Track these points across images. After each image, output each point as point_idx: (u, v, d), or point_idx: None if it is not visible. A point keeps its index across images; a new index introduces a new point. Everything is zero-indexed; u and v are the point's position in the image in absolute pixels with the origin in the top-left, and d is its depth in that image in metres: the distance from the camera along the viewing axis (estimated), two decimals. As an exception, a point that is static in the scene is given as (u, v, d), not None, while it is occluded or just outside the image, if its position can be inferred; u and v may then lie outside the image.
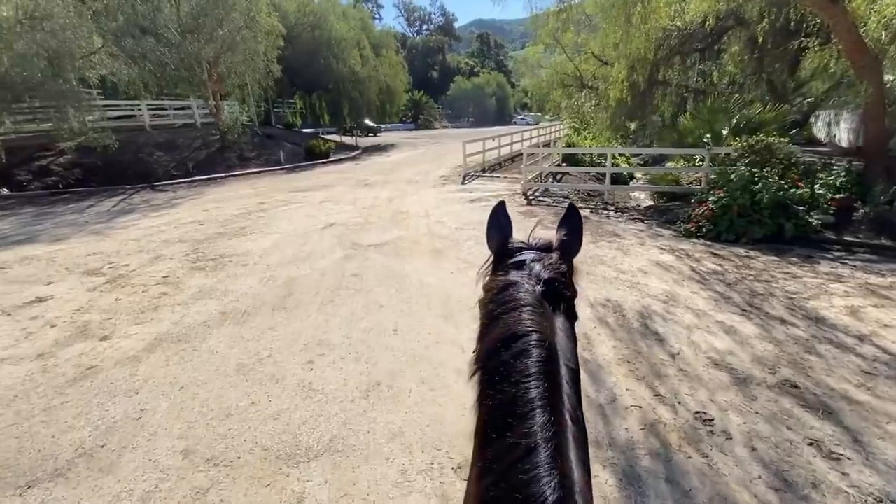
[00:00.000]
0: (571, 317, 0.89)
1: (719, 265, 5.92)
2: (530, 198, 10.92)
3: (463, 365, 3.60)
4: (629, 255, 6.38)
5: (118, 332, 4.38)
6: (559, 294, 0.85)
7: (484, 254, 1.08)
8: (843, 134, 16.49)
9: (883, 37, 7.31)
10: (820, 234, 6.84)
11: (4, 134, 13.61)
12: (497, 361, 0.74)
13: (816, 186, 7.51)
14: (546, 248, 0.98)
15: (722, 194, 7.23)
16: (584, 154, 15.80)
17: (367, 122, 34.54)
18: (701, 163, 10.54)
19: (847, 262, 6.04)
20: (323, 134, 28.52)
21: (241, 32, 16.66)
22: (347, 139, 28.85)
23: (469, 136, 20.22)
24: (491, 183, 13.29)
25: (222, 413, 3.10)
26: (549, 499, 0.57)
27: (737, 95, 11.05)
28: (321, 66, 25.55)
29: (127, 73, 15.28)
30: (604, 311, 4.61)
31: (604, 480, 2.51)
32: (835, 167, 8.60)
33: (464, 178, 14.08)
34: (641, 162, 18.92)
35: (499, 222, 1.07)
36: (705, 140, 9.98)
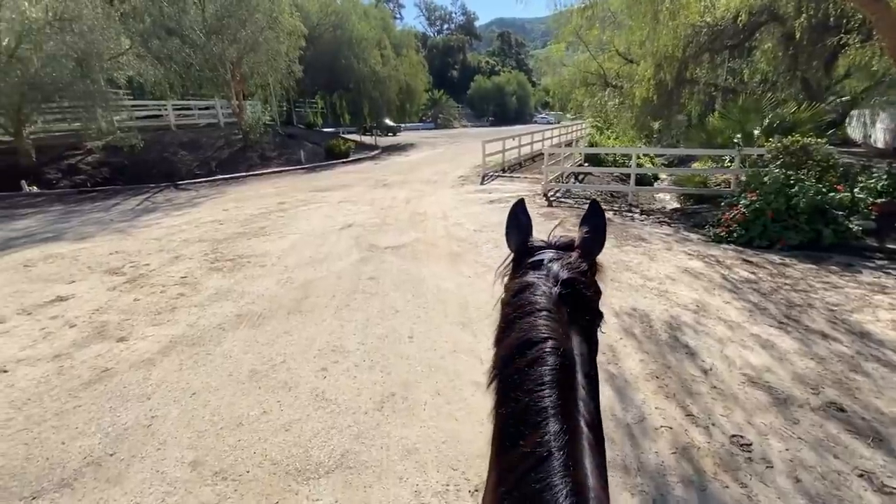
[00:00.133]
0: (593, 318, 0.87)
1: (752, 273, 5.61)
2: (551, 199, 10.68)
3: (480, 377, 3.44)
4: (656, 261, 6.12)
5: (135, 333, 4.37)
6: (578, 295, 0.83)
7: (504, 258, 1.04)
8: (880, 135, 15.73)
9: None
10: (860, 242, 6.45)
11: (35, 133, 14.02)
12: (511, 369, 0.74)
13: (856, 190, 7.09)
14: (566, 247, 0.96)
15: (755, 197, 6.88)
16: (606, 154, 15.47)
17: (387, 121, 34.62)
18: (730, 164, 10.15)
19: (891, 271, 5.66)
20: (343, 134, 28.69)
21: (263, 33, 16.82)
22: (367, 139, 28.95)
23: (488, 135, 20.03)
24: (510, 183, 13.08)
25: (233, 422, 3.01)
26: None
27: (769, 94, 10.58)
28: (342, 66, 25.66)
29: (153, 74, 15.62)
30: (630, 321, 4.39)
31: (632, 510, 2.32)
32: (875, 170, 8.13)
33: (483, 178, 13.90)
34: (666, 162, 18.46)
35: (518, 221, 1.04)
36: (735, 140, 9.60)
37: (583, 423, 0.68)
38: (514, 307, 0.83)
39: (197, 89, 19.70)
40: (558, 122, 35.69)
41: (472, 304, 4.87)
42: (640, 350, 3.87)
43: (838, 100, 14.44)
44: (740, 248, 6.61)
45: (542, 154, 12.58)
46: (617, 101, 15.09)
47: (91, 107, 13.22)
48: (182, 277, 5.86)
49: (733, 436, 2.86)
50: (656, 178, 15.54)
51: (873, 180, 7.37)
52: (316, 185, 13.65)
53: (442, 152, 23.93)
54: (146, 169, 14.68)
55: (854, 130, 17.91)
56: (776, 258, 6.14)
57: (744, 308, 4.63)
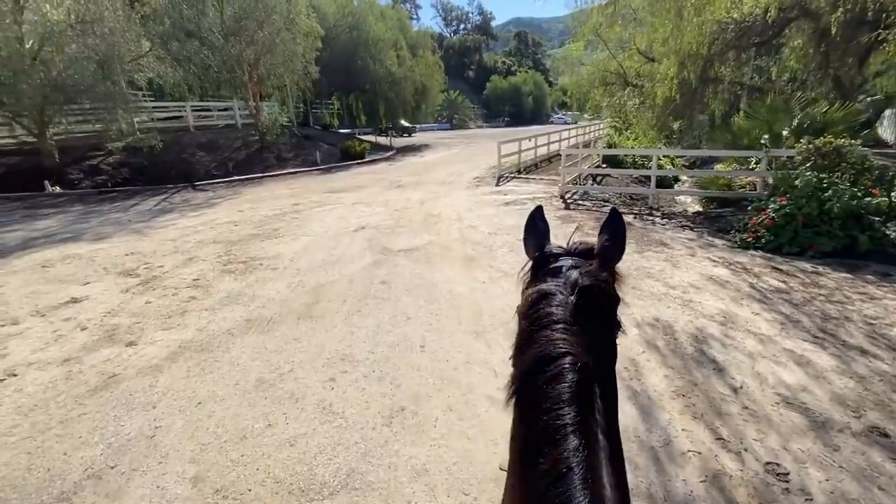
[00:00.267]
0: (613, 327, 0.87)
1: (783, 282, 5.33)
2: (568, 201, 10.44)
3: (495, 391, 3.29)
4: (679, 268, 5.87)
5: (144, 337, 4.32)
6: (596, 304, 0.82)
7: (519, 262, 1.04)
8: (917, 136, 15.05)
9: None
10: (899, 249, 6.10)
11: (58, 134, 14.30)
12: (530, 387, 0.74)
13: (894, 194, 6.71)
14: (585, 254, 0.95)
15: (785, 202, 6.57)
16: (625, 155, 15.11)
17: (403, 122, 34.61)
18: (756, 166, 9.77)
19: (934, 281, 5.31)
20: (359, 135, 28.75)
21: (280, 34, 16.90)
22: (382, 140, 28.97)
23: (504, 136, 19.81)
24: (526, 185, 12.86)
25: (237, 435, 2.91)
26: None
27: (799, 93, 10.16)
28: (358, 67, 25.72)
29: (172, 76, 15.85)
30: (653, 333, 4.17)
31: (659, 546, 2.14)
32: (914, 173, 7.70)
33: (498, 179, 13.71)
34: (687, 164, 17.99)
35: (536, 227, 1.05)
36: (763, 141, 9.21)
37: (601, 437, 0.68)
38: (532, 320, 0.82)
39: (215, 91, 19.95)
40: (575, 123, 35.22)
41: (487, 310, 4.71)
42: (664, 364, 3.66)
43: (868, 99, 13.85)
44: (769, 255, 6.31)
45: (559, 155, 12.34)
46: (637, 100, 14.73)
47: (112, 108, 13.43)
48: (194, 280, 5.83)
49: (768, 463, 2.65)
50: (676, 179, 15.14)
51: (912, 184, 6.97)
52: (331, 187, 13.63)
53: (457, 153, 23.78)
54: (165, 169, 14.87)
55: (886, 131, 17.20)
56: (808, 266, 5.83)
57: (775, 320, 4.37)
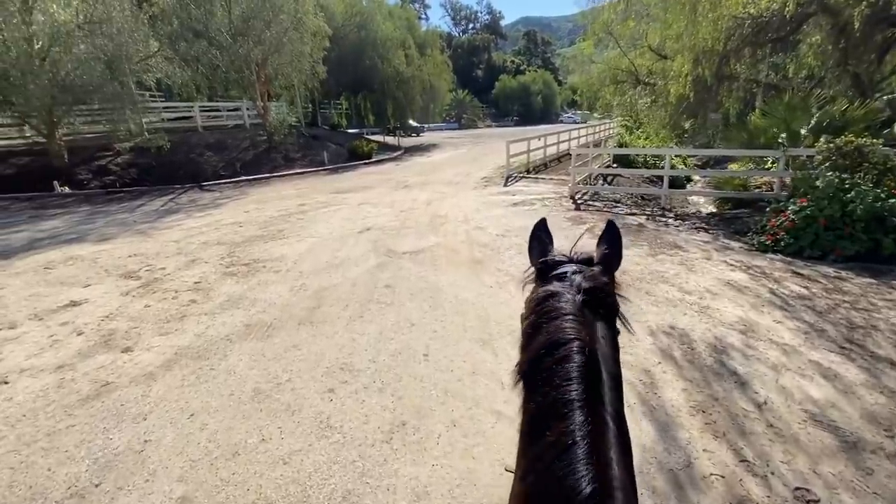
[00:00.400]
0: (614, 327, 0.92)
1: (805, 287, 5.08)
2: (578, 202, 10.21)
3: (502, 405, 3.11)
4: (694, 272, 5.64)
5: (141, 343, 4.20)
6: (600, 302, 0.88)
7: (527, 265, 1.11)
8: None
9: None
10: (926, 253, 5.81)
11: (67, 135, 14.35)
12: (540, 368, 0.78)
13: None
14: (587, 262, 1.01)
15: (805, 203, 6.30)
16: (636, 155, 14.83)
17: (411, 122, 34.50)
18: (773, 166, 9.48)
19: (967, 287, 5.03)
20: (367, 135, 28.68)
21: (287, 34, 16.84)
22: (390, 140, 28.87)
23: (513, 135, 19.58)
24: (535, 185, 12.64)
25: (229, 451, 2.76)
26: (585, 491, 0.59)
27: (818, 90, 9.84)
28: (366, 67, 25.63)
29: (180, 76, 15.84)
30: (668, 342, 3.97)
31: (681, 585, 1.95)
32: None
33: (506, 179, 13.50)
34: (699, 164, 17.62)
35: (540, 239, 1.11)
36: (780, 140, 8.93)
37: (608, 418, 0.70)
38: (540, 314, 0.87)
39: (224, 91, 19.98)
40: (585, 122, 34.86)
41: (493, 317, 4.53)
42: (681, 377, 3.45)
43: (885, 97, 13.43)
44: (789, 259, 6.05)
45: (569, 154, 12.11)
46: (648, 99, 14.44)
47: (120, 108, 13.45)
48: (196, 283, 5.71)
49: (797, 488, 2.44)
50: (689, 179, 14.81)
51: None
52: (337, 187, 13.52)
53: (465, 153, 23.59)
54: (173, 170, 14.87)
55: None
56: (830, 270, 5.57)
57: (798, 329, 4.14)
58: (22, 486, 2.52)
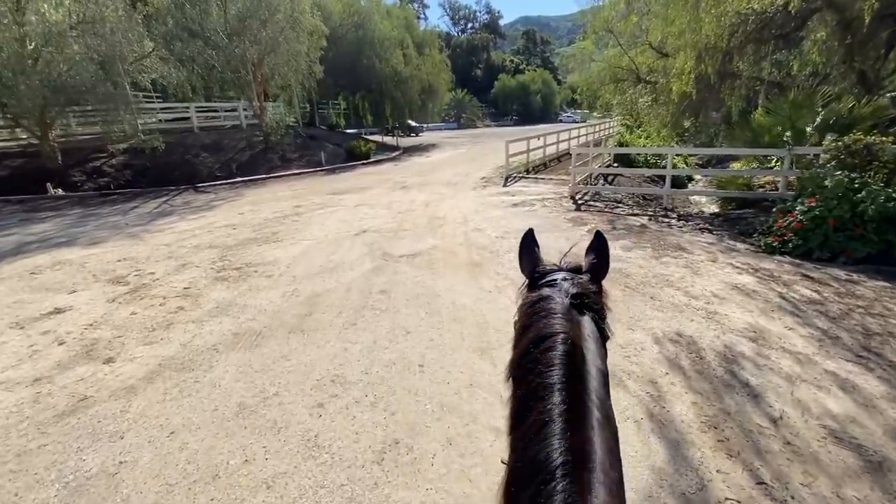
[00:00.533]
0: (601, 329, 0.95)
1: (816, 291, 4.89)
2: (579, 202, 10.02)
3: (501, 422, 2.92)
4: (700, 275, 5.45)
5: (124, 353, 4.02)
6: (587, 305, 0.93)
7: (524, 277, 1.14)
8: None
9: None
10: (940, 254, 5.63)
11: (61, 136, 14.17)
12: (527, 359, 0.83)
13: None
14: (576, 270, 1.07)
15: (814, 203, 6.12)
16: (637, 154, 14.64)
17: (410, 122, 34.29)
18: (778, 165, 9.30)
19: (984, 290, 4.85)
20: (365, 135, 28.51)
21: (284, 33, 16.66)
22: (389, 140, 28.69)
23: (512, 135, 19.41)
24: (535, 185, 12.46)
25: (209, 473, 2.58)
26: (556, 461, 0.62)
27: (825, 88, 9.65)
28: (364, 67, 25.43)
29: (176, 76, 15.64)
30: (675, 350, 3.78)
31: None
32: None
33: (506, 179, 13.32)
34: (700, 163, 17.41)
35: (530, 248, 1.17)
36: (785, 139, 8.74)
37: (593, 405, 0.72)
38: (531, 315, 0.92)
39: (222, 91, 19.81)
40: (584, 121, 34.68)
41: (492, 324, 4.35)
42: (690, 389, 3.27)
43: (888, 95, 13.23)
44: (797, 261, 5.86)
45: (569, 154, 11.93)
46: (649, 97, 14.23)
47: (114, 109, 13.26)
48: (185, 288, 5.53)
49: (821, 515, 2.26)
50: (690, 179, 14.61)
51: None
52: (334, 188, 13.34)
53: (464, 153, 23.41)
54: (168, 171, 14.68)
55: None
56: (841, 273, 5.38)
57: (811, 336, 3.96)
58: (-17, 516, 2.35)
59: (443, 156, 22.35)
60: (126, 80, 14.23)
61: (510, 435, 0.79)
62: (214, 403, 3.23)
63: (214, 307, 4.94)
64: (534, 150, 15.75)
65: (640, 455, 2.65)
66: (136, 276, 6.08)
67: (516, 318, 1.03)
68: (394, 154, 22.81)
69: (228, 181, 14.91)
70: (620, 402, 3.13)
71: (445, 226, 8.19)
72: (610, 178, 14.07)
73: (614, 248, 6.46)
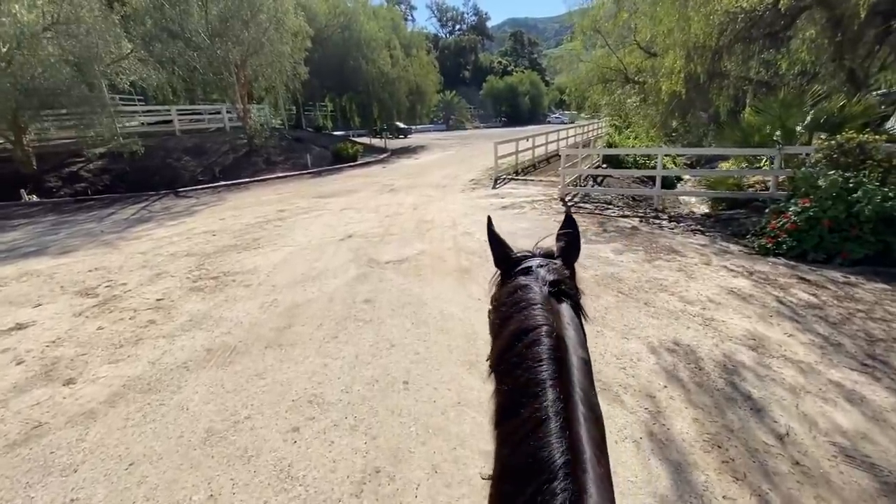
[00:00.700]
0: (579, 315, 0.94)
1: (813, 295, 4.76)
2: (569, 204, 9.88)
3: (490, 444, 2.70)
4: (695, 279, 5.30)
5: (86, 373, 3.74)
6: (564, 292, 0.92)
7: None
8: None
9: None
10: (937, 255, 5.54)
11: (36, 140, 13.70)
12: (511, 353, 0.81)
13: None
14: (548, 256, 1.05)
15: (808, 204, 6.01)
16: (626, 155, 14.58)
17: (398, 123, 34.04)
18: (768, 165, 9.23)
19: (982, 291, 4.75)
20: (353, 137, 28.21)
21: (267, 34, 16.35)
22: (377, 141, 28.41)
23: (501, 136, 19.28)
24: (524, 187, 12.29)
25: (169, 512, 2.33)
26: (558, 461, 0.63)
27: (815, 86, 9.61)
28: (351, 68, 25.15)
29: (156, 78, 15.23)
30: (673, 361, 3.60)
31: None
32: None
33: (495, 181, 13.14)
34: (688, 163, 17.41)
35: (496, 237, 1.13)
36: (776, 138, 8.67)
37: (577, 398, 0.71)
38: (510, 305, 0.90)
39: (205, 94, 19.39)
40: (573, 122, 34.72)
41: (482, 334, 4.13)
42: (690, 403, 3.08)
43: (875, 93, 13.32)
44: (793, 263, 5.74)
45: (558, 155, 11.80)
46: (637, 98, 14.18)
47: (90, 113, 12.82)
48: (157, 300, 5.24)
49: (838, 546, 2.08)
50: (679, 179, 14.57)
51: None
52: (320, 191, 13.05)
53: (453, 154, 23.23)
54: (148, 176, 14.27)
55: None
56: (838, 276, 5.26)
57: (812, 343, 3.81)
58: None
59: (431, 157, 22.14)
60: (103, 82, 13.81)
61: (499, 428, 0.78)
62: (180, 429, 2.97)
63: (188, 320, 4.66)
64: (523, 151, 15.60)
65: (640, 481, 2.45)
66: (106, 287, 5.77)
67: (492, 308, 1.03)
68: (382, 156, 22.55)
69: (211, 185, 14.54)
70: (618, 419, 2.94)
71: (433, 230, 7.97)
72: (599, 180, 13.97)
73: (606, 252, 6.30)
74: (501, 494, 0.72)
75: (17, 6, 10.99)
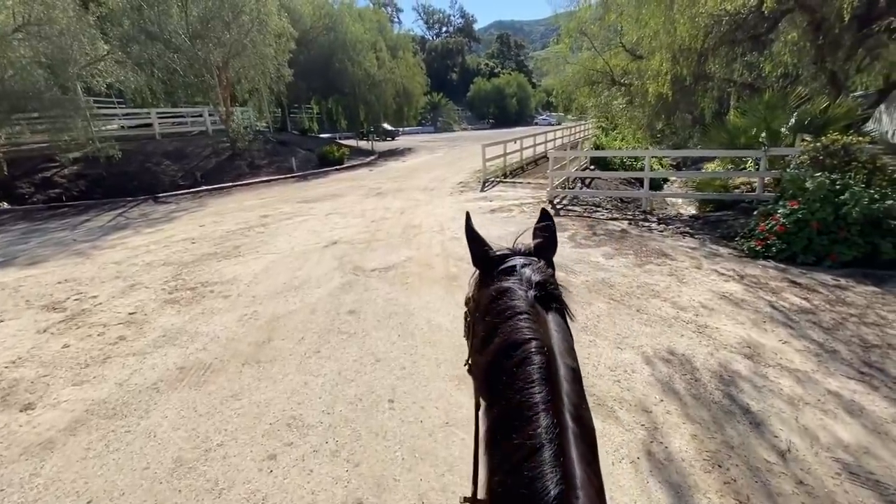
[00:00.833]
0: (565, 318, 0.91)
1: (805, 299, 4.70)
2: (558, 206, 9.79)
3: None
4: (686, 284, 5.21)
5: (47, 397, 3.49)
6: (551, 296, 0.89)
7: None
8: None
9: None
10: (925, 256, 5.53)
11: (7, 145, 13.22)
12: (500, 370, 0.78)
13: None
14: (529, 253, 1.04)
15: (796, 206, 5.98)
16: (613, 157, 14.58)
17: (385, 126, 33.81)
18: (754, 166, 9.25)
19: (970, 293, 4.74)
20: (340, 139, 27.92)
21: (249, 35, 16.03)
22: (364, 144, 28.14)
23: (489, 138, 19.19)
24: (513, 190, 12.19)
25: (129, 556, 2.12)
26: (552, 492, 0.60)
27: (798, 88, 9.68)
28: (337, 70, 24.88)
29: (134, 81, 14.80)
30: (668, 372, 3.48)
31: None
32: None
33: (483, 184, 13.03)
34: (673, 164, 17.51)
35: (474, 234, 1.09)
36: (761, 140, 8.69)
37: (568, 417, 0.70)
38: (495, 314, 0.87)
39: (187, 96, 18.94)
40: (559, 124, 34.85)
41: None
42: (688, 418, 2.96)
43: (854, 94, 13.52)
44: (782, 266, 5.69)
45: (545, 157, 11.72)
46: (624, 100, 14.20)
47: (63, 116, 12.39)
48: (130, 314, 4.98)
49: (849, 576, 1.95)
50: (665, 181, 14.61)
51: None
52: (305, 196, 12.79)
53: (441, 156, 23.09)
54: (126, 181, 13.87)
55: (887, 126, 17.00)
56: (828, 278, 5.22)
57: (807, 350, 3.72)
58: None
59: (419, 160, 21.97)
60: (78, 84, 13.37)
61: (490, 453, 0.75)
62: (146, 459, 2.76)
63: (161, 336, 4.42)
64: (510, 153, 15.51)
65: (639, 507, 2.31)
66: (75, 300, 5.48)
67: (475, 312, 0.99)
68: (369, 159, 22.32)
69: (192, 190, 14.18)
70: (614, 438, 2.80)
71: (421, 235, 7.80)
72: (588, 181, 13.94)
73: (596, 256, 6.19)
74: None
75: (-16, 6, 10.57)
